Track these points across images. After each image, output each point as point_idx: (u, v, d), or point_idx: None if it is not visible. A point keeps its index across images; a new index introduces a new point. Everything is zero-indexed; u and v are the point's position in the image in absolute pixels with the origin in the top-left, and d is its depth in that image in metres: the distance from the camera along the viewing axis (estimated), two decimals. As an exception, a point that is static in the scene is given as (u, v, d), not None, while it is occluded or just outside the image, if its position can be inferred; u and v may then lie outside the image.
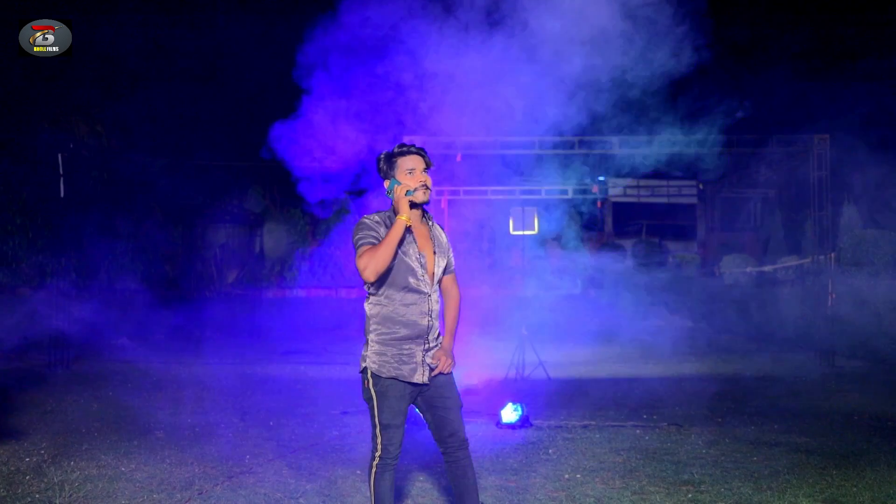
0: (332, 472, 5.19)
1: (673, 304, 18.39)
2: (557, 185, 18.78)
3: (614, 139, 12.15)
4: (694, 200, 26.76)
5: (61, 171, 12.14)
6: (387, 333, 3.29)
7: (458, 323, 3.53)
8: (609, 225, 27.01)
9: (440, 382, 3.39)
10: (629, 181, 24.78)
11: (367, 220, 3.30)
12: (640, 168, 12.76)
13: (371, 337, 3.32)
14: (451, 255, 3.53)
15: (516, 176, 17.91)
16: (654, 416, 7.33)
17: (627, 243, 24.59)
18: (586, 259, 20.41)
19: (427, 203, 3.38)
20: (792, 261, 17.76)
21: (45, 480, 4.89)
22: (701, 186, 25.86)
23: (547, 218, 19.14)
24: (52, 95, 15.71)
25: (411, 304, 3.30)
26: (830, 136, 12.44)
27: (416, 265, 3.32)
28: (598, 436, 6.42)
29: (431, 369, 3.35)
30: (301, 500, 4.54)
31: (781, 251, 20.13)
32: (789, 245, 20.19)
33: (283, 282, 22.12)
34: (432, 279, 3.37)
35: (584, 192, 19.72)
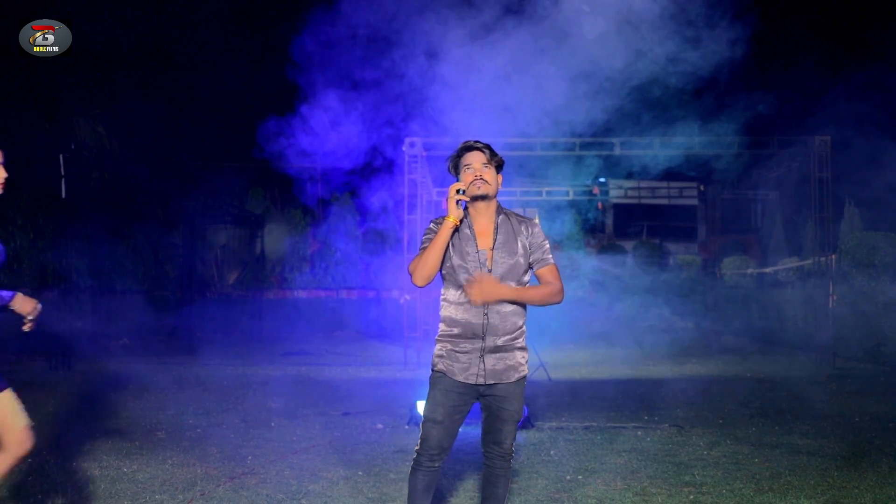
0: (334, 474, 5.18)
1: (674, 306, 18.38)
2: (558, 187, 18.80)
3: (615, 140, 12.14)
4: (695, 202, 26.72)
5: (62, 172, 12.14)
6: (446, 331, 3.31)
7: (539, 297, 3.26)
8: (609, 227, 26.98)
9: (503, 393, 3.28)
10: (632, 183, 24.75)
11: (431, 224, 3.32)
12: (650, 170, 12.75)
13: (438, 333, 3.36)
14: (544, 247, 3.31)
15: (518, 177, 17.92)
16: (656, 418, 7.33)
17: (628, 245, 24.54)
18: (593, 261, 20.41)
19: (485, 196, 3.24)
20: (793, 262, 17.74)
21: (48, 481, 4.88)
22: (702, 188, 25.82)
23: (549, 219, 19.14)
24: (52, 95, 15.70)
25: (466, 303, 3.23)
26: (831, 138, 12.45)
27: (471, 263, 3.24)
28: (599, 437, 6.43)
29: (488, 374, 3.23)
30: (303, 502, 4.53)
31: (782, 253, 20.10)
32: (790, 247, 20.15)
33: (283, 283, 22.12)
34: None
35: (587, 193, 19.75)
